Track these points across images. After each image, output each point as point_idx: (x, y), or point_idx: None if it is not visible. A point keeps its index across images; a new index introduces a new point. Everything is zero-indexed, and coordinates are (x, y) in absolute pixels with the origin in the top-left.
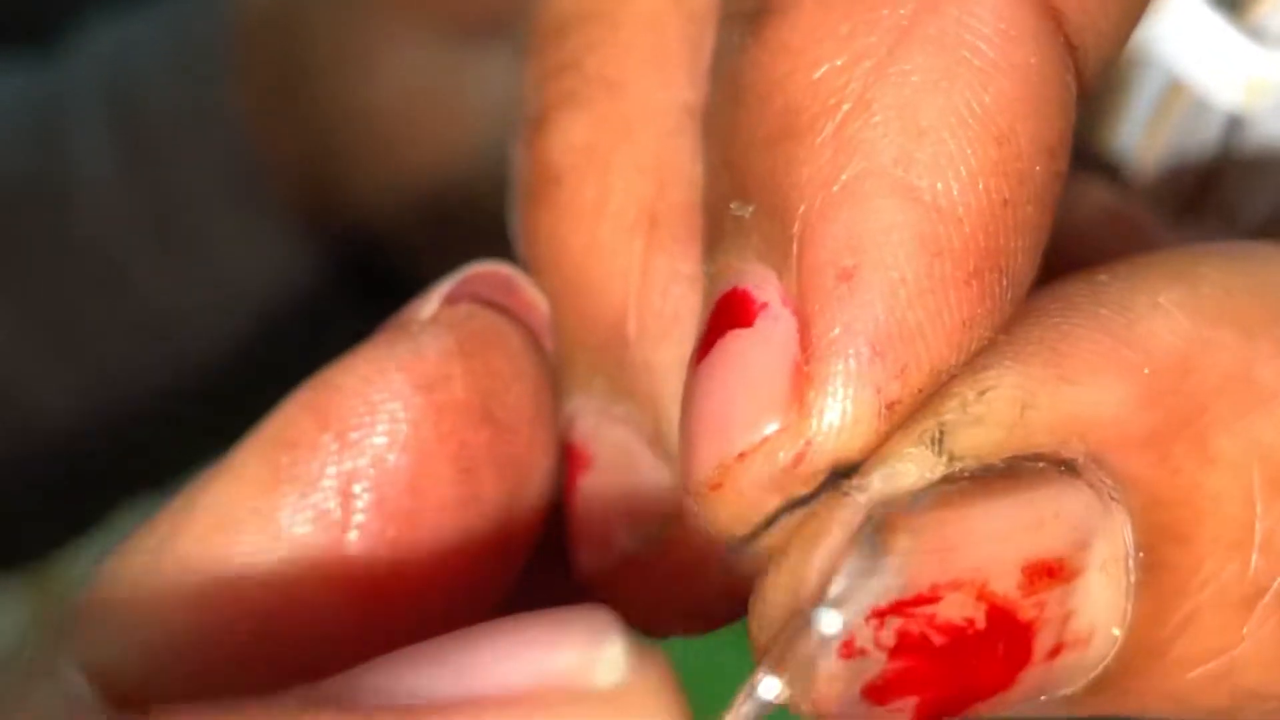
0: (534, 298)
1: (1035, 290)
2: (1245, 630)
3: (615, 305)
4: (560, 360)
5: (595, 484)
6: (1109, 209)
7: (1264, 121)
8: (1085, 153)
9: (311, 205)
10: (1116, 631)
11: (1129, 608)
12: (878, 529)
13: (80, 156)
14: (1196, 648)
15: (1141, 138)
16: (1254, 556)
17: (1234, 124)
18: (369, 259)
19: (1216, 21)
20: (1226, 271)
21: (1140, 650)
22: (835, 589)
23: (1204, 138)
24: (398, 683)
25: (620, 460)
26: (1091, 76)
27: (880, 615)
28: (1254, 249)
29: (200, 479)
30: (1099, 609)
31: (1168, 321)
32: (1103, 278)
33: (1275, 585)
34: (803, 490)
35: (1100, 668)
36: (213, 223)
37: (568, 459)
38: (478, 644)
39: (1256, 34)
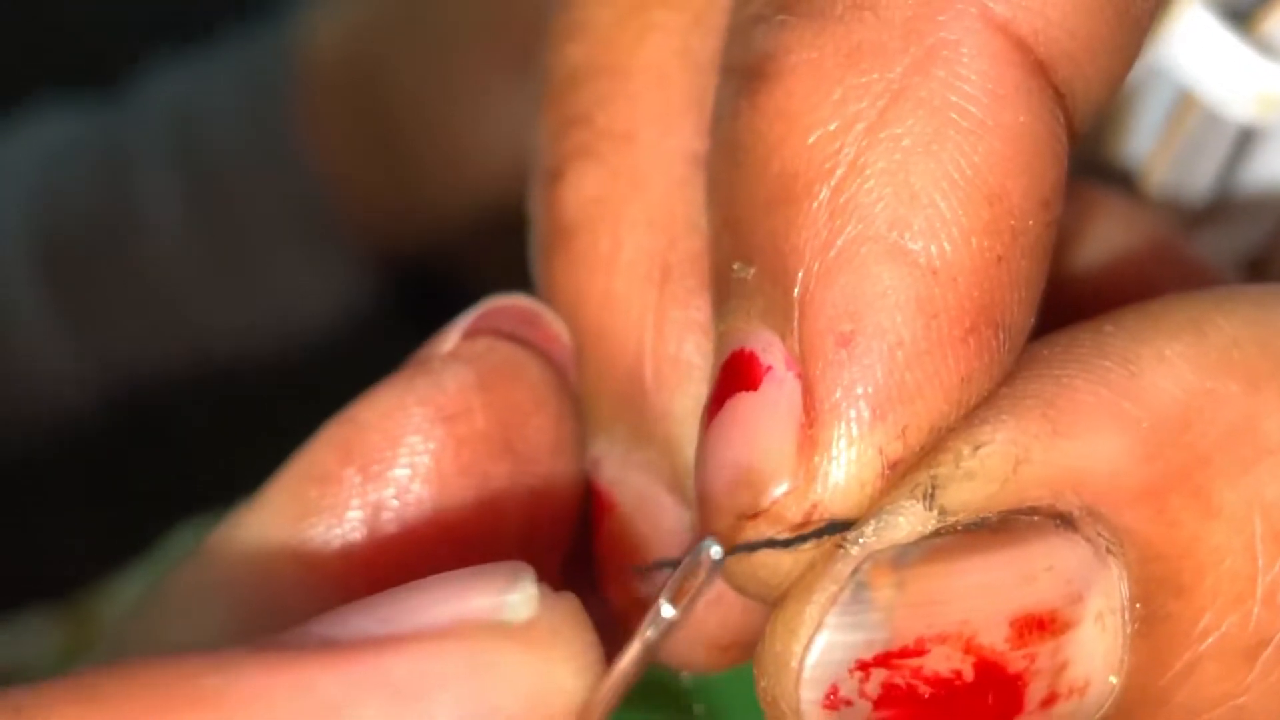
0: (556, 330)
1: (1042, 338)
2: (1249, 680)
3: (632, 354)
4: (584, 404)
5: (619, 527)
6: (1156, 241)
7: (1276, 135)
8: (1097, 163)
9: (379, 236)
10: (1114, 680)
11: (1126, 657)
12: (864, 582)
13: (145, 194)
14: (1199, 696)
15: (1154, 149)
16: (1256, 609)
17: (1246, 137)
18: (432, 286)
19: (1227, 36)
20: (1236, 321)
21: (1141, 698)
22: (821, 640)
23: (1216, 150)
24: (338, 630)
25: (642, 505)
26: (1084, 120)
27: (865, 667)
28: (1267, 297)
29: (235, 513)
30: (1095, 659)
31: (1171, 374)
32: (1108, 328)
33: (1278, 637)
34: (811, 546)
35: (1099, 714)
36: (275, 254)
37: (593, 502)
38: (406, 595)
39: (1266, 48)
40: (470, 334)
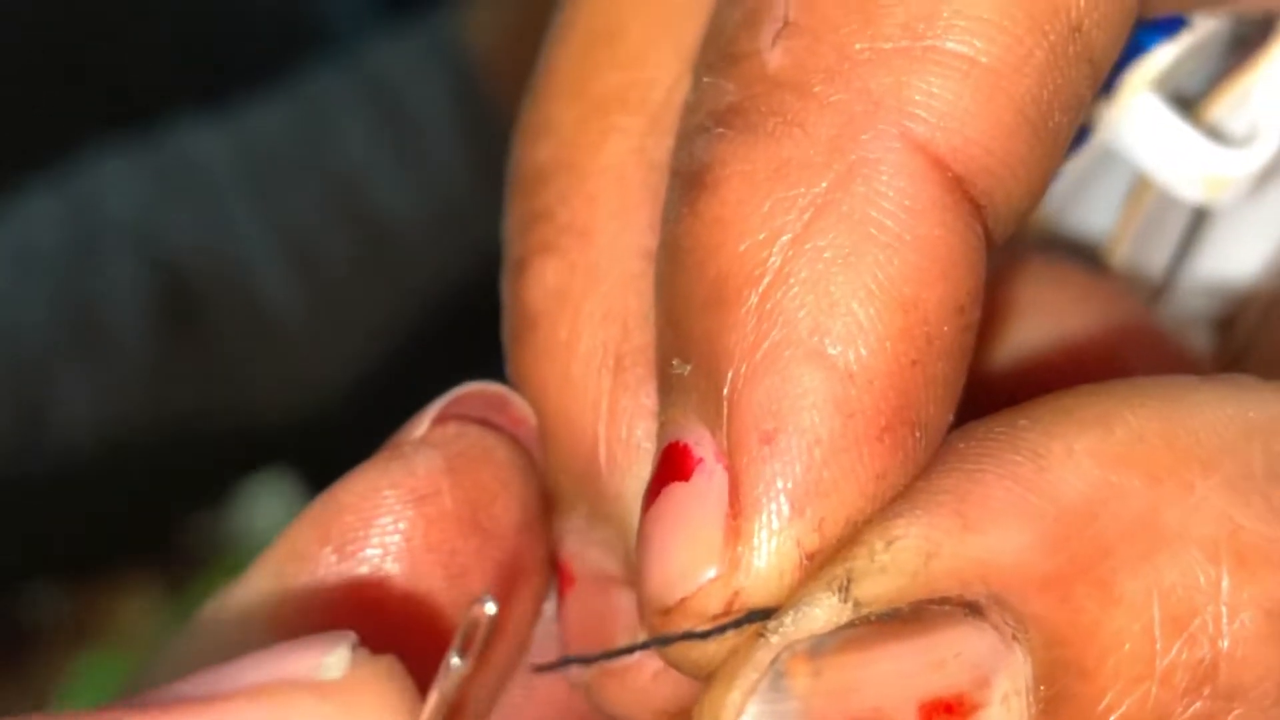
0: (524, 413)
1: (961, 428)
2: None
3: (589, 438)
4: (549, 483)
5: (578, 602)
6: (1118, 310)
7: (1229, 213)
8: (1062, 241)
9: None
10: None
11: None
12: (782, 671)
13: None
14: None
15: (1115, 226)
16: (1154, 688)
17: (1200, 215)
18: None
19: (1175, 121)
20: (1143, 415)
21: None
22: None
23: (1174, 227)
24: (172, 693)
25: (599, 581)
26: (1005, 228)
27: None
28: (1178, 388)
29: (219, 592)
30: None
31: (1077, 469)
32: (1023, 421)
33: (1175, 716)
34: (730, 636)
35: None
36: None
37: (558, 576)
38: (238, 662)
39: (1213, 133)
40: (440, 420)
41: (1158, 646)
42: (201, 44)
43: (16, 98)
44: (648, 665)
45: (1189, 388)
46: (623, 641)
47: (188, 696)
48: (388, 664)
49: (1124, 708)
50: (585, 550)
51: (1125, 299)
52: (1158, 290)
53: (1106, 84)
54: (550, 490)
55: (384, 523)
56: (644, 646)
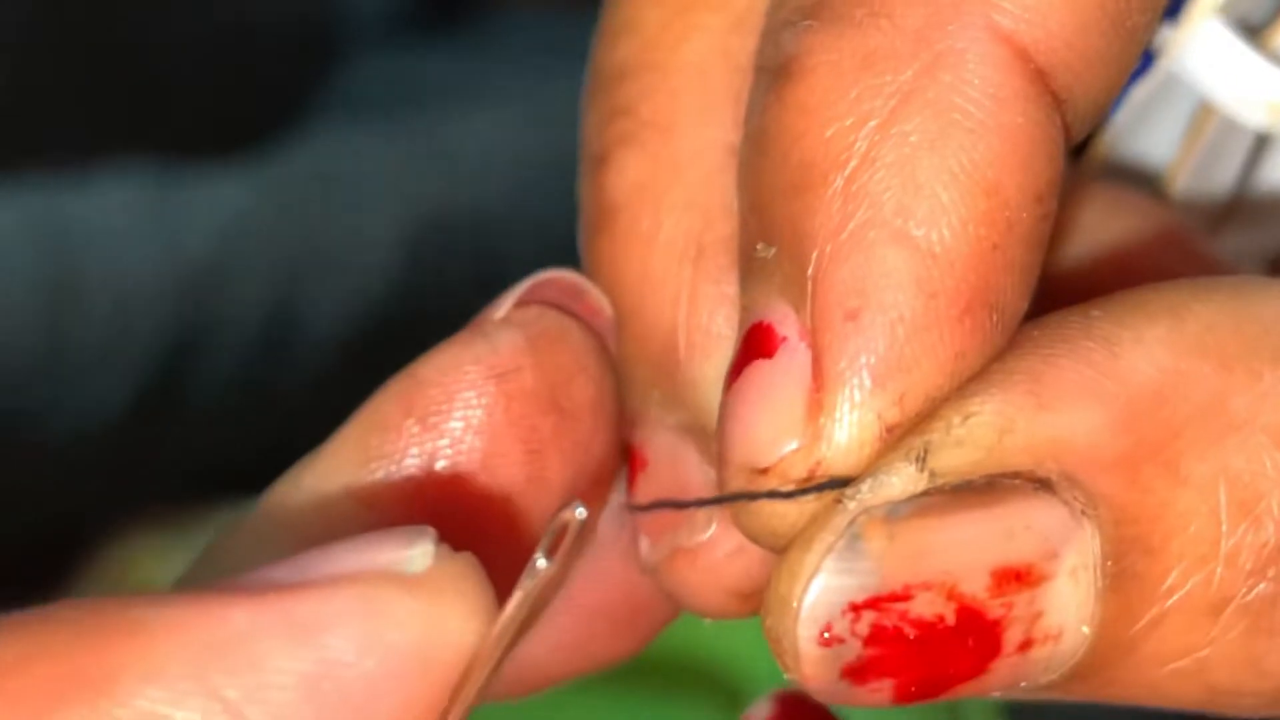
0: (600, 303)
1: (1035, 320)
2: (1212, 634)
3: (667, 326)
4: (622, 371)
5: (651, 483)
6: (1174, 235)
7: None
8: (1122, 170)
9: None
10: (1086, 630)
11: (1098, 610)
12: (859, 534)
13: None
14: (1166, 647)
15: (1176, 155)
16: (1219, 569)
17: (1262, 143)
18: None
19: (1240, 47)
20: (1213, 307)
21: (1111, 647)
22: (818, 583)
23: (1235, 155)
24: (259, 579)
25: (672, 462)
26: (1082, 124)
27: (856, 609)
28: (1246, 285)
29: (297, 465)
30: (1068, 610)
31: (1148, 355)
32: (1096, 312)
33: (1239, 596)
34: (811, 499)
35: (1074, 660)
36: None
37: (629, 460)
38: (320, 551)
39: (1278, 59)
40: (521, 303)
41: (1223, 529)
42: None
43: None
44: (721, 544)
45: (1257, 284)
46: (700, 518)
47: (277, 582)
48: (469, 560)
49: (1188, 586)
50: (658, 435)
51: (1184, 227)
52: (1216, 220)
53: (1172, 9)
54: (623, 378)
55: (467, 396)
56: (732, 499)
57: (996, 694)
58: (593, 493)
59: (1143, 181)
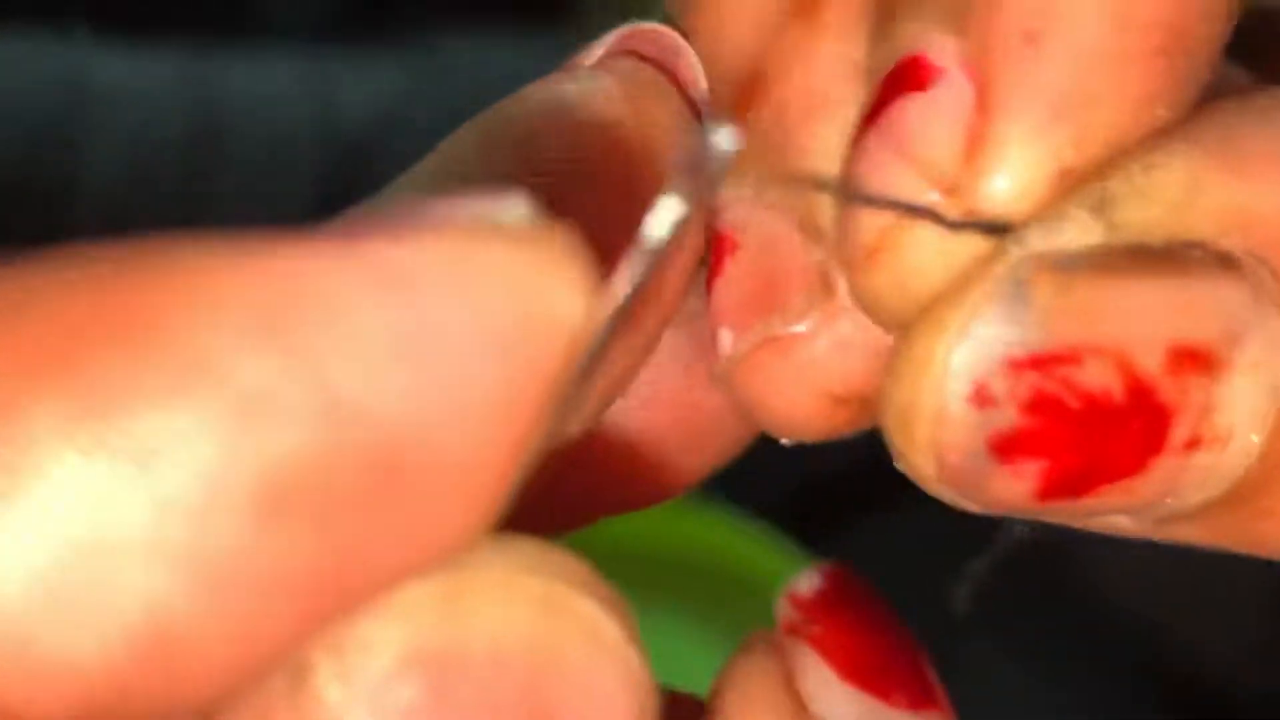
0: (694, 73)
1: (1219, 97)
2: None
3: (775, 92)
4: None
5: (744, 266)
6: None
7: None
8: None
9: None
10: (1255, 438)
11: (1272, 415)
12: (1026, 280)
13: None
14: None
15: None
16: None
17: None
18: None
19: None
20: None
21: (1277, 473)
22: (975, 331)
23: None
24: (333, 226)
25: (770, 244)
26: None
27: (1018, 367)
28: None
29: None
30: (1241, 410)
31: None
32: None
33: None
34: (965, 252)
35: (1235, 476)
36: None
37: (714, 248)
38: (405, 203)
39: None
40: (612, 54)
41: None
42: None
43: None
44: (822, 335)
45: None
46: (797, 303)
47: (374, 224)
48: (569, 228)
49: None
50: (752, 215)
51: None
52: None
53: None
54: None
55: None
56: (894, 205)
57: (1140, 511)
58: (674, 279)
59: None
